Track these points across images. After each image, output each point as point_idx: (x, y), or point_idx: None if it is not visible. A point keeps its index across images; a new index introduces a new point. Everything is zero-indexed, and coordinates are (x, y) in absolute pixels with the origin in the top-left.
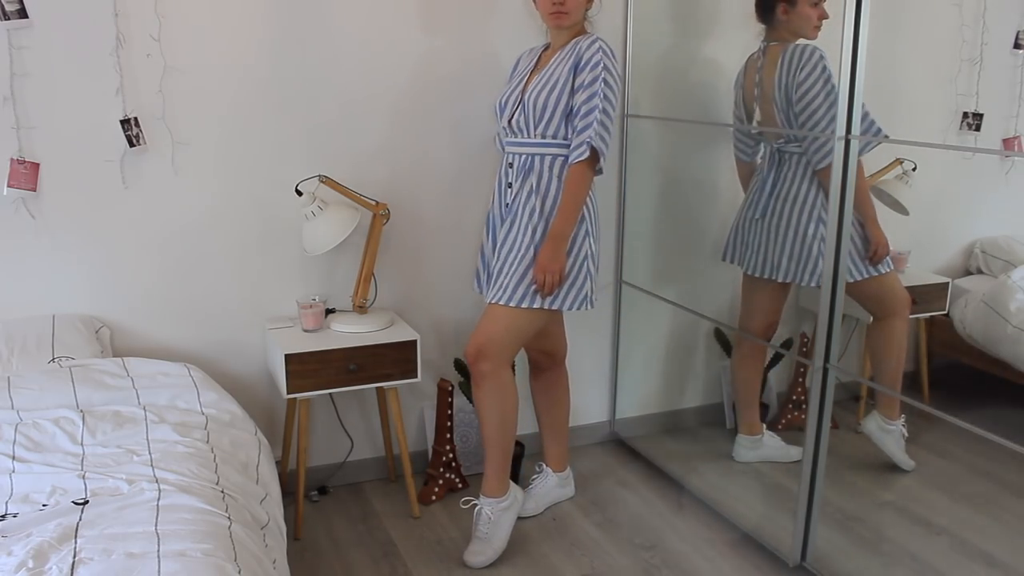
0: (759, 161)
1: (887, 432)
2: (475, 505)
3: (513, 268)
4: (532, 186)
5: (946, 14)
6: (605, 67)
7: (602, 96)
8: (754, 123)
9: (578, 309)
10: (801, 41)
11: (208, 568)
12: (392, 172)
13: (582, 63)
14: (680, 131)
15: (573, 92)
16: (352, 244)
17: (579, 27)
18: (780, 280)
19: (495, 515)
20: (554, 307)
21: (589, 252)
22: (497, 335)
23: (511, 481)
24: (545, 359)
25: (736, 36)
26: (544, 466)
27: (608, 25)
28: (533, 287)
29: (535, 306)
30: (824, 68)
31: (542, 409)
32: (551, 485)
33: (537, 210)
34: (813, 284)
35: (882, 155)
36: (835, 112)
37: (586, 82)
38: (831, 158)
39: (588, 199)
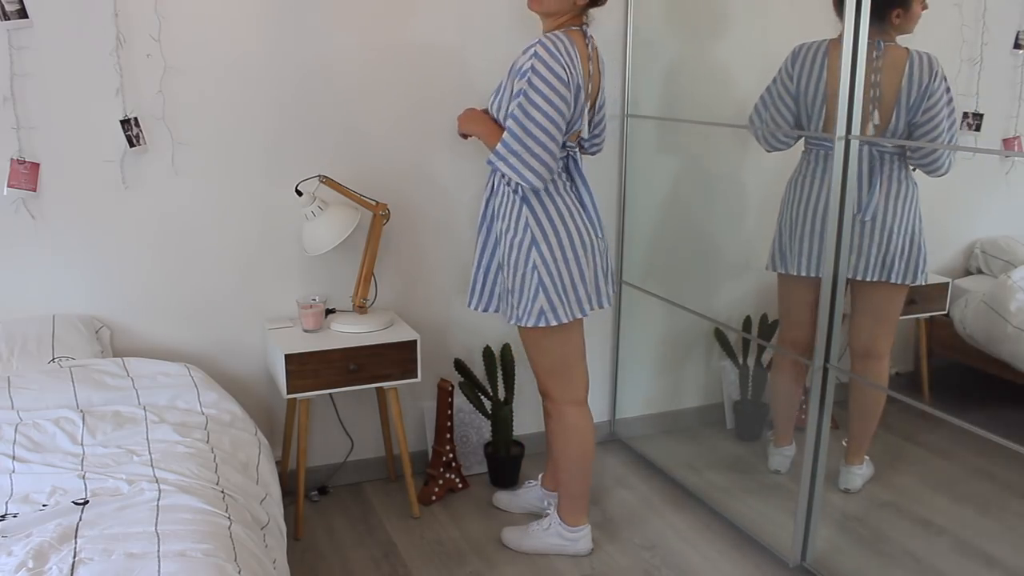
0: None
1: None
2: (549, 502)
3: (491, 277)
4: (493, 192)
5: (946, 14)
6: (530, 80)
7: (519, 113)
8: (870, 126)
9: (534, 325)
10: (900, 39)
11: (208, 568)
12: (392, 172)
13: (516, 68)
14: (680, 131)
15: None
16: (352, 244)
17: (562, 20)
18: (893, 282)
19: (550, 526)
20: (510, 320)
21: (539, 263)
22: (535, 368)
23: (586, 528)
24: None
25: (737, 35)
26: (541, 477)
27: (608, 25)
28: (496, 300)
29: (488, 311)
30: (947, 81)
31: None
32: (533, 496)
33: (492, 216)
34: (922, 282)
35: None
36: (955, 131)
37: (515, 93)
38: (951, 168)
39: (540, 212)
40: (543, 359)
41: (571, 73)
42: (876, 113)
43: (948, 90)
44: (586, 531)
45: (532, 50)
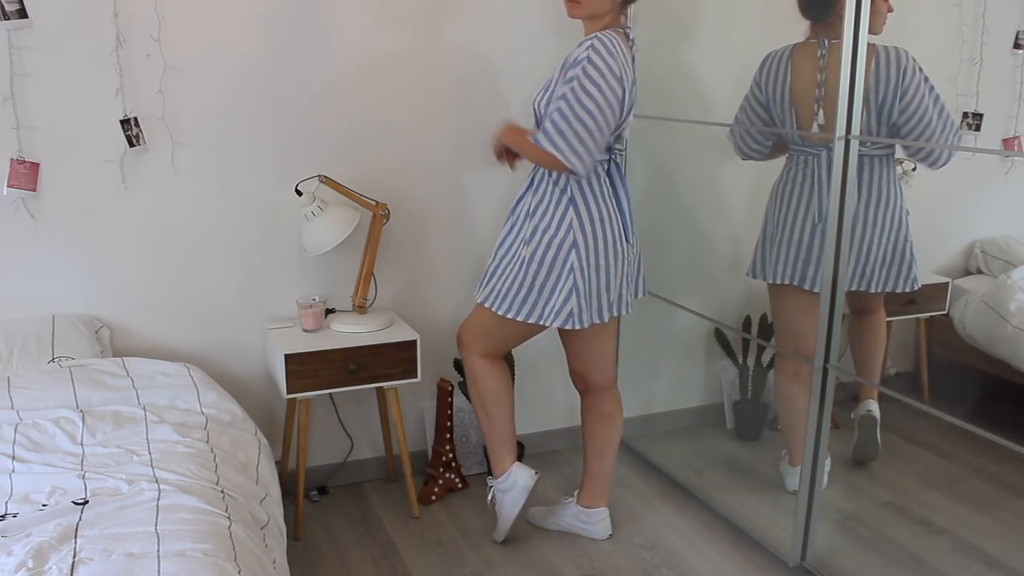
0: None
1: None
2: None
3: (502, 271)
4: (530, 188)
5: (946, 14)
6: (584, 69)
7: (571, 98)
8: (815, 126)
9: (560, 326)
10: (873, 38)
11: (208, 568)
12: (392, 172)
13: (569, 62)
14: (679, 131)
15: None
16: (352, 244)
17: (604, 21)
18: (876, 291)
19: (495, 494)
20: (519, 318)
21: (576, 266)
22: (471, 325)
23: (518, 464)
24: (578, 381)
25: (738, 35)
26: (576, 493)
27: None
28: (511, 296)
29: (509, 316)
30: (922, 71)
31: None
32: (569, 514)
33: (525, 212)
34: (909, 289)
35: None
36: (947, 115)
37: (565, 79)
38: (951, 158)
39: (584, 215)
40: (495, 332)
41: (625, 72)
42: (821, 113)
43: (926, 80)
44: (513, 472)
45: (589, 43)
